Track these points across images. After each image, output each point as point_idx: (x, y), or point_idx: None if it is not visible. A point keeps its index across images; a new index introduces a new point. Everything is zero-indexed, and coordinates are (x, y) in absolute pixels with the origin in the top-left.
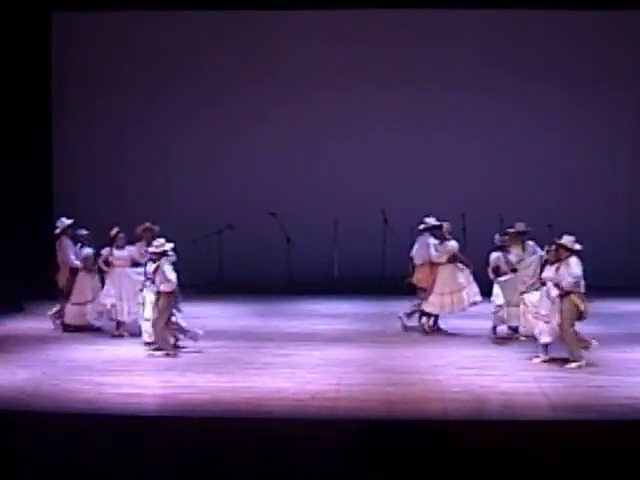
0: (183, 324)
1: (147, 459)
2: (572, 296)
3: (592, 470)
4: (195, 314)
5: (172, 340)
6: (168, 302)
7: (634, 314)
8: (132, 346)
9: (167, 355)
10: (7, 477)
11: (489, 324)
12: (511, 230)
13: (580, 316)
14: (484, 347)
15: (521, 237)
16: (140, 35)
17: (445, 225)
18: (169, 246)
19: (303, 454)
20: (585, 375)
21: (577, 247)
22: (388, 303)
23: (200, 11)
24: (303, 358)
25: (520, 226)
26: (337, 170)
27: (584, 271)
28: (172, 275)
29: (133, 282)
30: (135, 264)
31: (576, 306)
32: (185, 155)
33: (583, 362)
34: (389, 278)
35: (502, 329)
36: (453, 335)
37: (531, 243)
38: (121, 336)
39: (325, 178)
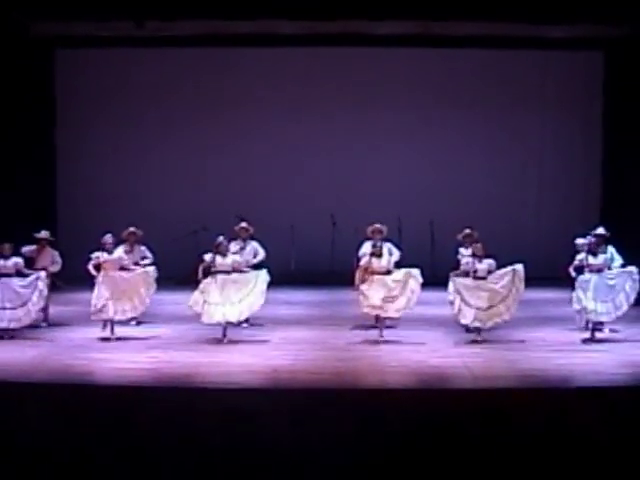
0: None
1: (137, 423)
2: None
3: (508, 427)
4: (177, 301)
5: None
6: None
7: (541, 301)
8: (122, 329)
9: None
10: (18, 439)
11: (426, 310)
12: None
13: None
14: (418, 329)
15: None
16: (135, 69)
17: None
18: None
19: (266, 417)
20: (501, 352)
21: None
22: (337, 292)
23: (186, 48)
24: (266, 338)
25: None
26: (295, 183)
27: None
28: None
29: (124, 281)
30: (121, 268)
31: None
32: (171, 171)
33: None
34: (337, 271)
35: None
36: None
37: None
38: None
39: (284, 189)
